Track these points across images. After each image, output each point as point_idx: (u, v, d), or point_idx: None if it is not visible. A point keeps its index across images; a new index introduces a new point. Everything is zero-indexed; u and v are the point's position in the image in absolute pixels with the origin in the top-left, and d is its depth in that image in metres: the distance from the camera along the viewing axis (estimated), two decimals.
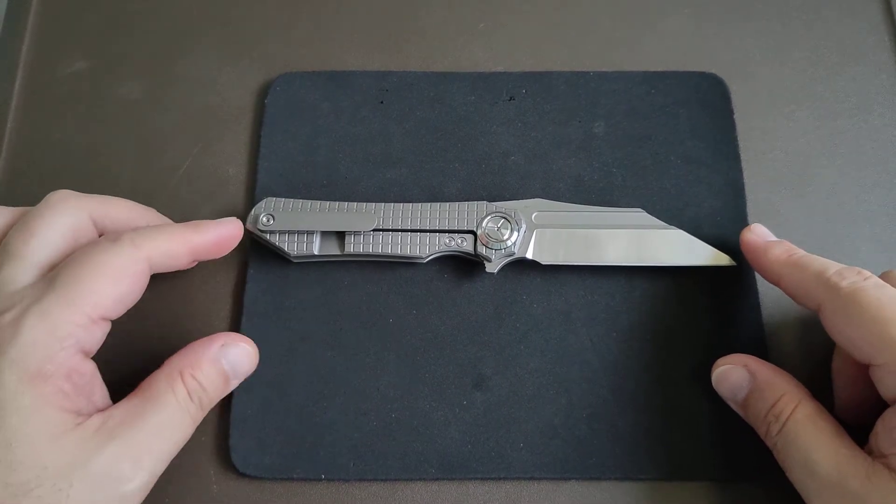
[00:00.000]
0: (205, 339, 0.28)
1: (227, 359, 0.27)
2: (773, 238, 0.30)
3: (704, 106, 0.35)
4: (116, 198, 0.29)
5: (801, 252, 0.29)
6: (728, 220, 0.33)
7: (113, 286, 0.25)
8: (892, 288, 0.25)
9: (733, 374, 0.28)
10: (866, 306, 0.24)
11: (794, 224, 0.33)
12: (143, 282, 0.27)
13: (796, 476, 0.25)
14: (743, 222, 0.32)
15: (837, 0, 0.38)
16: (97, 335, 0.25)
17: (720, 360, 0.29)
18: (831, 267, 0.26)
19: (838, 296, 0.25)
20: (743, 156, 0.34)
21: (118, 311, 0.26)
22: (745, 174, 0.34)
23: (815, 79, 0.36)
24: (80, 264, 0.25)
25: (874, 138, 0.35)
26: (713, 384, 0.29)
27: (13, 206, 0.29)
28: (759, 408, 0.27)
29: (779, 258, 0.29)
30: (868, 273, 0.26)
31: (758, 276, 0.32)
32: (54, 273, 0.25)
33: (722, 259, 0.31)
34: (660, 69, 0.36)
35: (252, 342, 0.29)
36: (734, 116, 0.35)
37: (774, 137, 0.35)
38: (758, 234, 0.30)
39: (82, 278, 0.25)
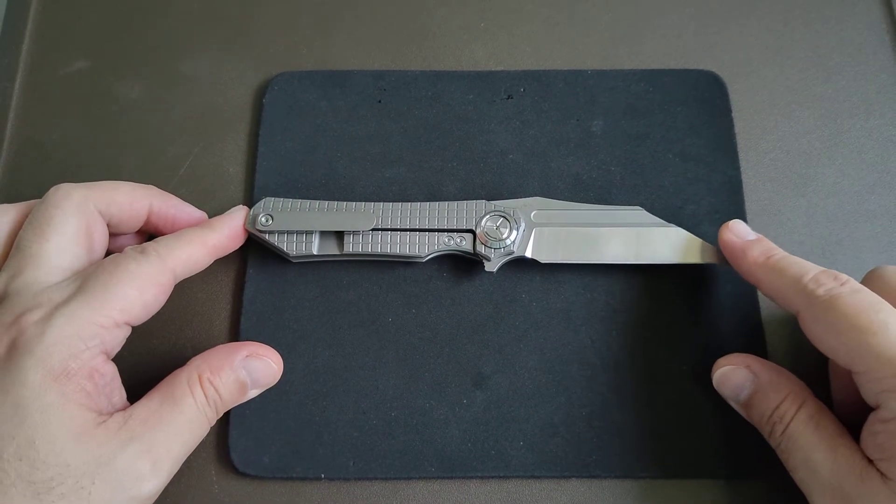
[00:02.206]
0: (231, 344, 0.28)
1: (249, 370, 0.28)
2: (752, 236, 0.29)
3: (703, 104, 0.35)
4: (117, 182, 0.30)
5: (779, 254, 0.28)
6: (726, 218, 0.32)
7: (139, 294, 0.26)
8: (869, 292, 0.25)
9: (735, 375, 0.28)
10: (843, 314, 0.24)
11: (794, 224, 0.33)
12: (167, 292, 0.28)
13: (799, 476, 0.25)
14: (741, 220, 0.32)
15: None
16: (119, 338, 0.26)
17: (721, 361, 0.29)
18: (809, 272, 0.26)
19: (815, 304, 0.25)
20: (743, 155, 0.34)
21: (142, 317, 0.27)
22: (746, 174, 0.34)
23: (815, 78, 0.36)
24: (109, 272, 0.26)
25: (874, 137, 0.35)
26: (714, 385, 0.29)
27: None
28: (762, 409, 0.27)
29: (756, 261, 0.28)
30: (846, 277, 0.25)
31: None
32: (82, 277, 0.26)
33: (721, 257, 0.31)
34: (658, 67, 0.36)
35: (278, 356, 0.29)
36: (733, 115, 0.35)
37: (775, 137, 0.35)
38: (736, 232, 0.30)
39: (110, 284, 0.25)
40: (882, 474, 0.23)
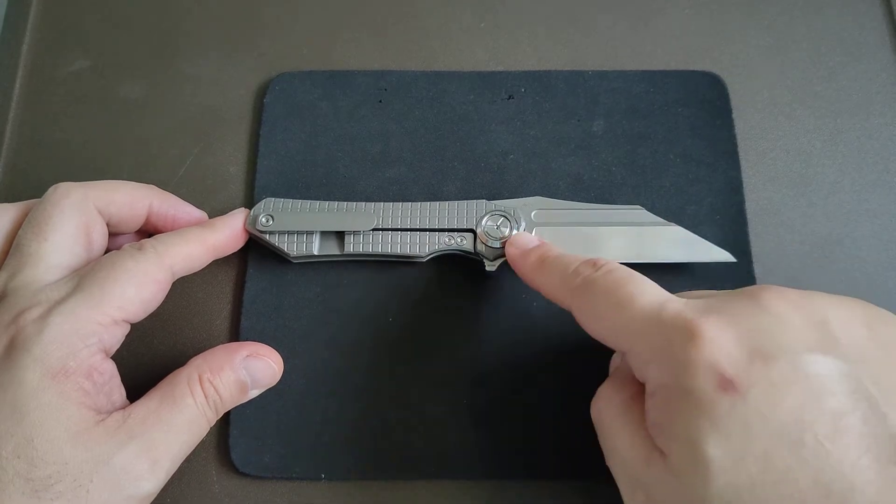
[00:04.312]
0: (232, 344, 0.28)
1: (249, 370, 0.28)
2: (533, 244, 0.29)
3: (703, 105, 0.35)
4: (117, 181, 0.30)
5: (553, 253, 0.27)
6: (727, 219, 0.32)
7: (137, 291, 0.26)
8: (625, 269, 0.24)
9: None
10: (598, 296, 0.23)
11: (794, 224, 0.33)
12: (165, 289, 0.28)
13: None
14: (742, 220, 0.32)
15: None
16: (118, 336, 0.26)
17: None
18: (570, 265, 0.25)
19: (574, 295, 0.24)
20: (743, 155, 0.34)
21: (140, 315, 0.27)
22: (746, 173, 0.34)
23: (815, 77, 0.36)
24: (107, 269, 0.26)
25: (875, 137, 0.35)
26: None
27: None
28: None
29: (532, 266, 0.27)
30: (604, 261, 0.24)
31: (758, 272, 0.32)
32: (80, 275, 0.26)
33: (721, 256, 0.31)
34: (659, 68, 0.36)
35: (278, 356, 0.29)
36: (733, 115, 0.35)
37: (775, 136, 0.35)
38: (517, 245, 0.29)
39: (108, 282, 0.25)
40: (662, 453, 0.21)
